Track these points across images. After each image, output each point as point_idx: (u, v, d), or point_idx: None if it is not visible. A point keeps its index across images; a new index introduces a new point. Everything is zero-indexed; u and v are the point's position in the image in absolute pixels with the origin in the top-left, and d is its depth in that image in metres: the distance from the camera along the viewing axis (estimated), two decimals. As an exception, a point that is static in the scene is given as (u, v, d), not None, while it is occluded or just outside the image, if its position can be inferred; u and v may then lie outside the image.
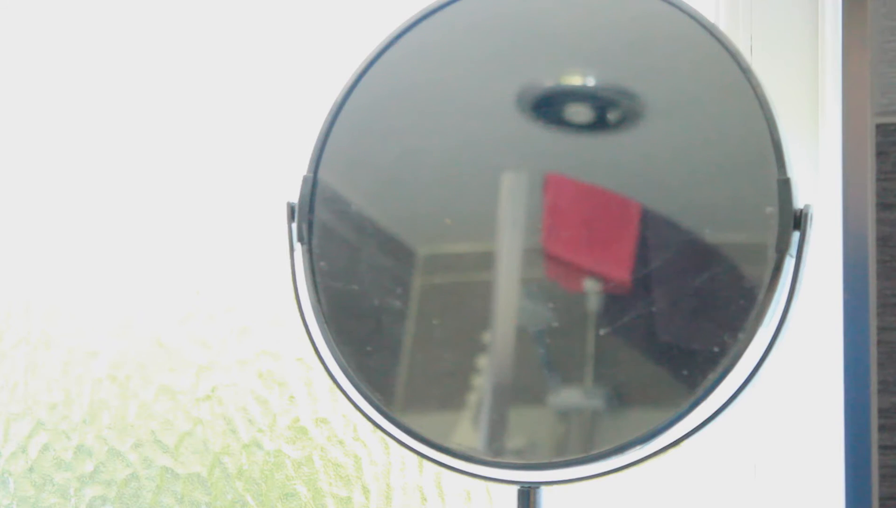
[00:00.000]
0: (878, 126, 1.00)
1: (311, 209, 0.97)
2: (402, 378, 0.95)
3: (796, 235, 0.90)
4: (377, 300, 0.96)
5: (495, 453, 0.94)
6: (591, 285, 0.94)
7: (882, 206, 1.00)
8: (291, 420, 1.22)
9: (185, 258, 1.25)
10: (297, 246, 0.97)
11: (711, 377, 0.90)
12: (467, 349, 0.95)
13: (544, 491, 0.95)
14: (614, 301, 0.93)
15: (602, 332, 0.92)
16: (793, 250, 0.90)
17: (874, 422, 0.99)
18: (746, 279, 0.91)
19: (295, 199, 0.97)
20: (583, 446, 0.92)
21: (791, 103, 1.11)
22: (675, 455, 0.98)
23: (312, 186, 0.97)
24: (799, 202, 0.91)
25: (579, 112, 0.96)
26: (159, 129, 1.26)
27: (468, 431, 0.94)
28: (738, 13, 1.13)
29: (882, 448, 0.99)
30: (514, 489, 0.95)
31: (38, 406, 1.26)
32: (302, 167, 0.98)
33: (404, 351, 0.95)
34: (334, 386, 0.97)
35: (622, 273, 0.93)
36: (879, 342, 1.00)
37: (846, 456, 1.07)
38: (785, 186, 0.90)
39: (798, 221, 0.90)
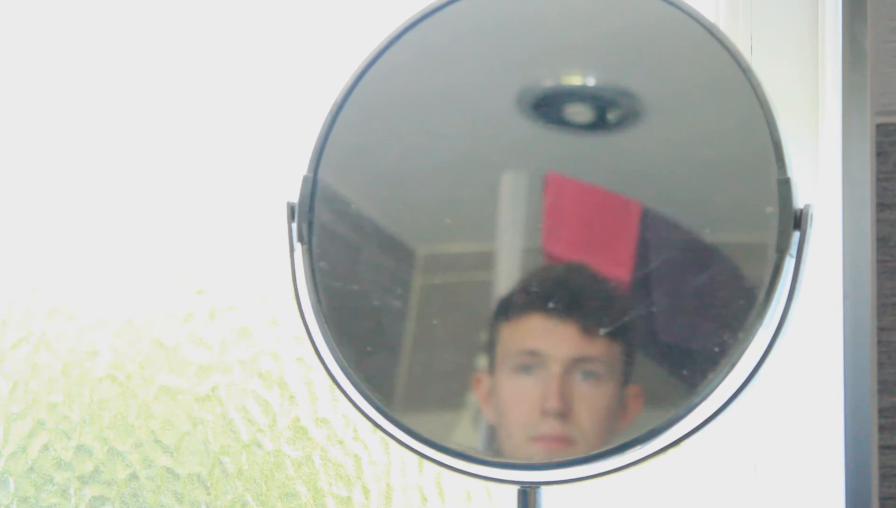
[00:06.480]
0: (878, 126, 1.00)
1: (311, 209, 0.97)
2: (402, 378, 0.95)
3: (796, 235, 0.90)
4: (377, 300, 0.96)
5: (495, 453, 0.94)
6: (591, 285, 0.94)
7: (882, 206, 1.00)
8: (291, 420, 1.22)
9: (186, 258, 1.25)
10: (298, 246, 0.97)
11: (711, 377, 0.90)
12: (467, 349, 0.95)
13: (544, 491, 0.95)
14: (614, 301, 0.93)
15: (602, 332, 0.92)
16: (793, 250, 0.91)
17: (874, 422, 0.99)
18: (746, 279, 0.91)
19: (295, 199, 0.97)
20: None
21: (791, 103, 1.11)
22: (675, 455, 0.98)
23: (312, 187, 0.97)
24: (799, 202, 0.91)
25: (579, 112, 0.96)
26: (159, 128, 1.26)
27: (468, 431, 0.94)
28: (738, 13, 1.13)
29: (882, 447, 0.99)
30: (514, 489, 0.95)
31: (39, 406, 1.25)
32: (302, 167, 0.98)
33: (404, 351, 0.95)
34: (334, 386, 0.97)
35: (622, 273, 0.93)
36: (879, 342, 1.00)
37: (846, 456, 1.06)
38: (785, 186, 0.91)
39: (798, 221, 0.90)
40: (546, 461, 0.92)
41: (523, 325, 0.93)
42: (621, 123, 0.96)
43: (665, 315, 0.92)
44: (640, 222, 0.93)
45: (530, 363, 0.93)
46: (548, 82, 0.97)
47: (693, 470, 1.14)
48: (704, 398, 0.90)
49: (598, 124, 0.96)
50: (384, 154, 0.98)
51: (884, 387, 0.99)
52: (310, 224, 0.97)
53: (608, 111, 0.96)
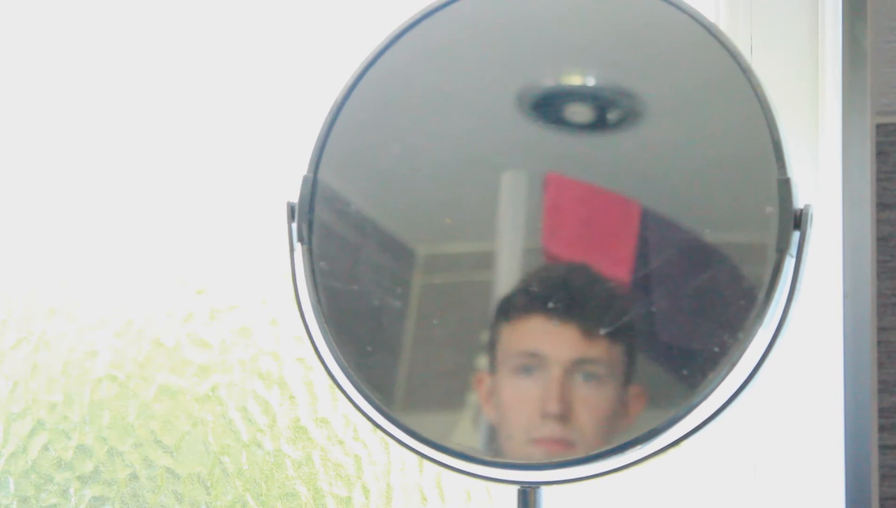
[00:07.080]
0: (878, 126, 1.00)
1: (311, 209, 0.97)
2: (402, 378, 0.95)
3: (796, 235, 0.90)
4: (377, 300, 0.96)
5: (495, 453, 0.94)
6: (591, 286, 0.94)
7: (882, 206, 1.00)
8: (291, 420, 1.22)
9: (185, 258, 1.25)
10: (298, 246, 0.97)
11: (711, 377, 0.90)
12: (467, 349, 0.95)
13: (544, 491, 0.95)
14: (614, 301, 0.93)
15: (602, 332, 0.92)
16: (793, 250, 0.90)
17: (874, 422, 0.99)
18: (746, 279, 0.91)
19: (295, 199, 0.97)
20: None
21: (791, 103, 1.11)
22: (676, 454, 0.98)
23: (312, 186, 0.97)
24: (799, 202, 0.91)
25: (579, 112, 0.96)
26: (159, 128, 1.26)
27: (468, 431, 0.94)
28: (738, 13, 1.13)
29: (882, 447, 0.99)
30: (514, 489, 0.95)
31: (38, 406, 1.26)
32: (302, 167, 0.98)
33: (404, 351, 0.95)
34: (334, 386, 0.97)
35: (622, 273, 0.93)
36: (879, 342, 1.00)
37: (846, 456, 1.07)
38: (785, 185, 0.91)
39: (798, 221, 0.90)
40: (546, 461, 0.92)
41: (523, 326, 0.93)
42: (621, 123, 0.96)
43: (665, 315, 0.92)
44: (640, 222, 0.93)
45: (531, 364, 0.93)
46: (548, 82, 0.97)
47: (693, 470, 1.14)
48: (704, 398, 0.90)
49: (598, 124, 0.96)
50: (384, 154, 0.98)
51: (884, 387, 0.99)
52: (310, 224, 0.97)
53: (608, 111, 0.96)
